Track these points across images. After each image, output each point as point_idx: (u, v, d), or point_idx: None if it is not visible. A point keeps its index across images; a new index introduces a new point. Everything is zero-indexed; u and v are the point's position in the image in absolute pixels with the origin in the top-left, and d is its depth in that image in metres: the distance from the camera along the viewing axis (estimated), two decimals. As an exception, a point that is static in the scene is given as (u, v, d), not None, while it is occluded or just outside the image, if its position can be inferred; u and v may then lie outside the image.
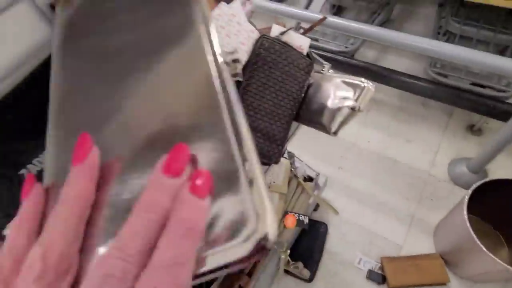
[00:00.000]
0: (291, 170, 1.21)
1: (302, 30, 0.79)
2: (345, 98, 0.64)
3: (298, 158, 1.34)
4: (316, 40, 1.86)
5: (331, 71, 0.74)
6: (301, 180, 1.22)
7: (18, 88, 0.49)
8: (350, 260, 1.38)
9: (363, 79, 0.65)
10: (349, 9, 2.11)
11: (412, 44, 1.30)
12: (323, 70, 0.75)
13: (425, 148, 1.62)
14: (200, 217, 0.18)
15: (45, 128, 0.27)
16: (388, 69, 1.65)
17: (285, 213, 1.16)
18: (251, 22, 0.77)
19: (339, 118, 0.63)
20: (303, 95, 0.69)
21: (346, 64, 1.71)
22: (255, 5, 0.89)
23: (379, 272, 1.33)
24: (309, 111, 0.68)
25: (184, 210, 0.17)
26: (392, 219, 1.46)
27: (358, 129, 1.74)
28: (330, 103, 0.65)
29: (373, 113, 1.78)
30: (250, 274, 1.16)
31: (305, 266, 1.34)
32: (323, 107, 0.66)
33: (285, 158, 1.24)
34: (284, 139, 0.67)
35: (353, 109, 0.62)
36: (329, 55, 1.73)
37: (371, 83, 0.66)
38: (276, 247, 1.23)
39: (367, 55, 1.97)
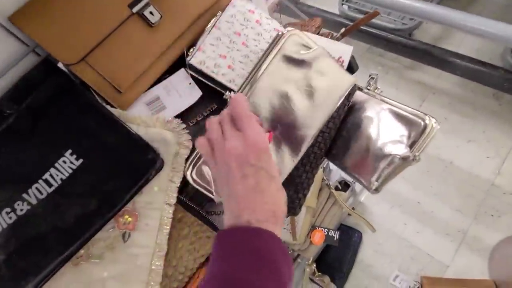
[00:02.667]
0: (323, 179, 1.06)
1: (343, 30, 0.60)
2: (395, 142, 0.47)
3: (334, 161, 1.17)
4: (366, 13, 1.57)
5: (378, 90, 0.56)
6: (333, 190, 1.06)
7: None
8: (385, 276, 1.24)
9: (423, 114, 0.47)
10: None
11: (486, 31, 1.02)
12: (369, 88, 0.56)
13: (490, 152, 1.35)
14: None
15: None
16: (454, 53, 1.35)
17: (313, 228, 1.03)
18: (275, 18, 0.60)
19: (384, 171, 0.46)
20: (337, 126, 0.52)
21: (401, 45, 1.44)
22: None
23: (418, 293, 1.18)
24: (344, 150, 0.52)
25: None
26: (439, 233, 1.27)
27: (409, 121, 1.50)
28: (374, 144, 0.48)
29: (429, 102, 1.51)
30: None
31: (333, 277, 1.23)
32: (363, 149, 0.49)
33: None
34: (309, 185, 0.52)
35: (404, 159, 0.45)
36: (381, 33, 1.46)
37: (434, 119, 0.47)
38: (300, 261, 1.13)
39: (430, 31, 1.65)
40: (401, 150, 0.45)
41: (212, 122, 0.37)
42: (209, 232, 0.51)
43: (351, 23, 1.53)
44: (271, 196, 0.34)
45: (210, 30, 0.53)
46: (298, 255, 1.11)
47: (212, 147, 0.36)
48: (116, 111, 0.47)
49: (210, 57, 0.53)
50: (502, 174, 1.31)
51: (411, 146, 0.46)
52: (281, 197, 0.35)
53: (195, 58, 0.53)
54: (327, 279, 1.18)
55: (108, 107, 0.48)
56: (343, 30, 0.60)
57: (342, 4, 1.62)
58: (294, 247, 1.02)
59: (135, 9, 0.47)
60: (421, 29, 1.60)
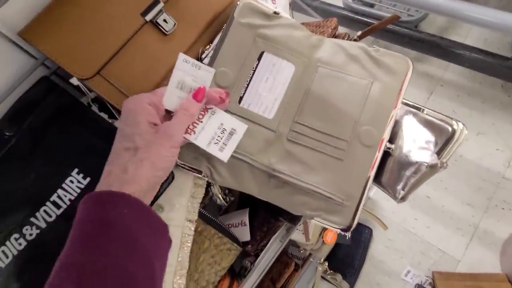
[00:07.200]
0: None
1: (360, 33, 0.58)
2: (421, 148, 0.45)
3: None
4: (371, 5, 1.54)
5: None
6: (345, 189, 1.05)
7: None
8: (396, 271, 1.24)
9: (449, 119, 0.45)
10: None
11: (492, 22, 1.00)
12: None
13: (500, 144, 1.34)
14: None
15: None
16: (462, 44, 1.33)
17: (325, 228, 1.03)
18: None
19: (410, 180, 0.45)
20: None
21: (408, 37, 1.41)
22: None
23: (430, 288, 1.18)
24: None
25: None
26: (450, 227, 1.26)
27: (416, 114, 1.48)
28: (399, 151, 0.47)
29: (437, 95, 1.50)
30: (286, 283, 1.08)
31: (345, 274, 1.23)
32: (387, 156, 0.47)
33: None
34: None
35: (432, 166, 0.44)
36: (388, 26, 1.43)
37: (462, 123, 0.45)
38: (312, 260, 1.13)
39: (436, 22, 1.62)
40: (428, 157, 0.44)
41: None
42: (229, 244, 0.50)
43: (355, 16, 1.51)
44: (117, 154, 0.35)
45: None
46: (310, 254, 1.11)
47: None
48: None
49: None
50: (513, 167, 1.29)
51: (439, 152, 0.44)
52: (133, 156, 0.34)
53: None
54: (339, 277, 1.18)
55: (117, 122, 0.46)
56: (359, 33, 0.58)
57: (346, -4, 1.59)
58: (307, 247, 1.02)
59: (148, 17, 0.45)
60: (428, 20, 1.57)
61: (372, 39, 1.66)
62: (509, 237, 1.18)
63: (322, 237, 1.02)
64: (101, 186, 0.34)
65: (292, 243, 1.05)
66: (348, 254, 1.27)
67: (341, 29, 1.69)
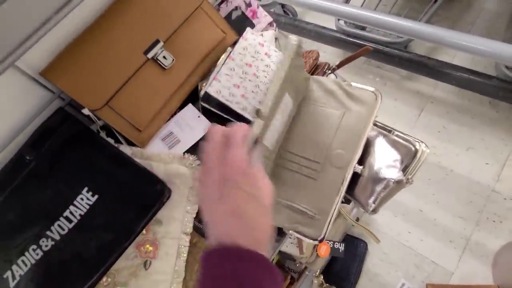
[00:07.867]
0: (327, 193, 1.10)
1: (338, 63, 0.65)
2: (389, 166, 0.51)
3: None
4: (363, 28, 1.63)
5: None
6: (338, 203, 1.10)
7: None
8: (392, 284, 1.27)
9: (414, 140, 0.51)
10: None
11: (474, 48, 1.06)
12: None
13: (489, 159, 1.39)
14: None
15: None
16: (449, 64, 1.40)
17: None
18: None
19: (381, 194, 0.51)
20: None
21: (397, 57, 1.48)
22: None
23: (424, 300, 1.21)
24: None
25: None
26: (443, 240, 1.30)
27: (408, 131, 1.54)
28: (371, 168, 0.52)
29: (428, 112, 1.56)
30: (281, 296, 1.11)
31: (341, 287, 1.26)
32: (358, 175, 0.53)
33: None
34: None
35: (399, 182, 0.50)
36: (378, 47, 1.51)
37: (424, 144, 0.51)
38: (308, 273, 1.16)
39: (426, 42, 1.69)
40: (395, 174, 0.50)
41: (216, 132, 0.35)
42: (222, 254, 0.56)
43: (348, 38, 1.59)
44: (253, 221, 0.32)
45: (225, 61, 0.58)
46: (306, 267, 1.14)
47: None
48: (138, 151, 0.52)
49: (225, 86, 0.57)
50: (502, 180, 1.34)
51: (404, 170, 0.50)
52: (265, 223, 0.33)
53: (212, 87, 0.57)
54: (334, 289, 1.21)
55: (122, 147, 0.53)
56: (338, 62, 0.65)
57: (339, 19, 1.68)
58: (301, 260, 1.06)
59: (149, 55, 0.53)
60: (417, 41, 1.65)
61: (365, 59, 1.74)
62: (500, 249, 1.21)
63: (316, 251, 1.06)
64: (223, 238, 0.32)
65: (288, 257, 1.10)
66: (344, 268, 1.30)
67: (335, 50, 1.77)
